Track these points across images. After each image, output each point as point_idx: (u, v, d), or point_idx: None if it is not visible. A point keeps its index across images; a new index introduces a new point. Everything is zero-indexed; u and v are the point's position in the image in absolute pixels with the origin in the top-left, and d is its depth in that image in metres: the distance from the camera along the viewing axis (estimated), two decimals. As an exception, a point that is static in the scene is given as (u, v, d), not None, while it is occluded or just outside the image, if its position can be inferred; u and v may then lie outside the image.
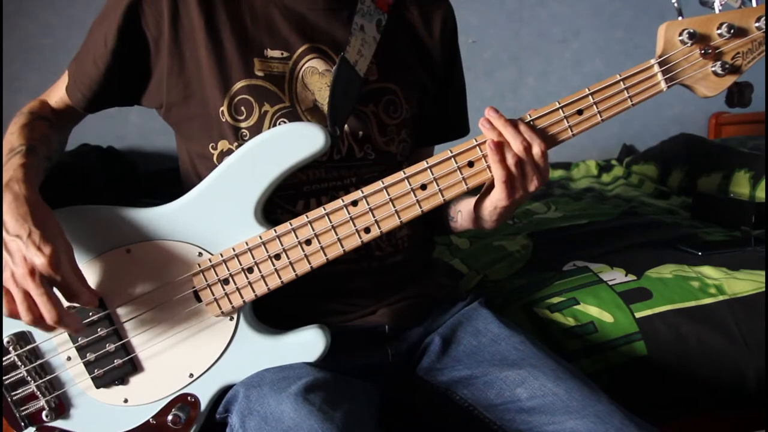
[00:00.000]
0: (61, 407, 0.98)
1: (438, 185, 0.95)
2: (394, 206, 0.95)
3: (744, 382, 1.31)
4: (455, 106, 1.25)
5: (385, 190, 0.95)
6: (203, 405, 0.98)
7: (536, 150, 0.93)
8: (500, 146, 0.93)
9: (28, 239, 0.83)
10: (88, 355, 0.96)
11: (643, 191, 2.43)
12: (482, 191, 1.02)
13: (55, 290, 0.86)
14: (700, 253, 1.55)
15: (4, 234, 0.85)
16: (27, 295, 0.85)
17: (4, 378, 0.96)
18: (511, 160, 0.93)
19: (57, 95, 1.10)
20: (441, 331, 1.12)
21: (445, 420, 1.07)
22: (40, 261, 0.83)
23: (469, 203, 1.07)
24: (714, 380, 1.31)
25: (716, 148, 2.45)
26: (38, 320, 0.86)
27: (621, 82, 0.95)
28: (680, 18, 0.95)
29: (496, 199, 0.97)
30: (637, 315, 1.32)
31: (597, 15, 2.99)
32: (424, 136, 1.20)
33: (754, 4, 0.94)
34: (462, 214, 1.11)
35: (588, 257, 1.55)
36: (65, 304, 0.88)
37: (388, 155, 1.09)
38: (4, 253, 0.85)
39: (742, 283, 1.40)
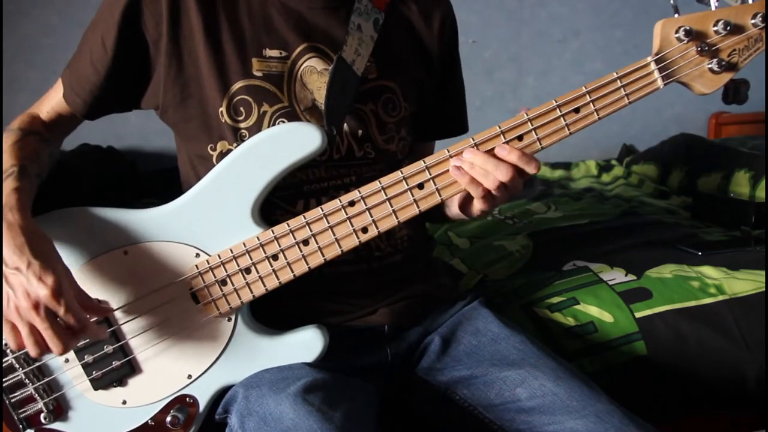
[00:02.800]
0: (60, 409, 0.98)
1: (435, 184, 0.95)
2: (392, 206, 0.95)
3: (744, 382, 1.31)
4: (454, 103, 1.25)
5: (382, 190, 0.95)
6: (202, 406, 0.98)
7: (502, 177, 0.92)
8: (474, 180, 0.93)
9: (29, 271, 0.82)
10: (86, 357, 0.96)
11: (643, 191, 2.43)
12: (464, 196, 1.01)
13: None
14: (700, 253, 1.55)
15: (3, 267, 0.84)
16: (33, 329, 0.84)
17: (2, 380, 0.96)
18: (491, 185, 0.93)
19: (48, 105, 1.09)
20: (441, 331, 1.12)
21: (445, 420, 1.07)
22: (43, 293, 0.82)
23: (452, 202, 1.06)
24: (714, 380, 1.31)
25: (716, 148, 2.44)
26: (45, 352, 0.86)
27: (618, 80, 0.95)
28: (676, 15, 0.95)
29: (479, 208, 0.98)
30: (637, 315, 1.32)
31: (597, 15, 2.98)
32: (423, 131, 1.20)
33: (750, 0, 0.94)
34: (450, 209, 1.11)
35: (588, 257, 1.54)
36: None
37: (388, 154, 1.08)
38: (5, 287, 0.85)
39: (742, 283, 1.39)
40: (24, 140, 1.01)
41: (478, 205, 0.97)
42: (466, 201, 1.01)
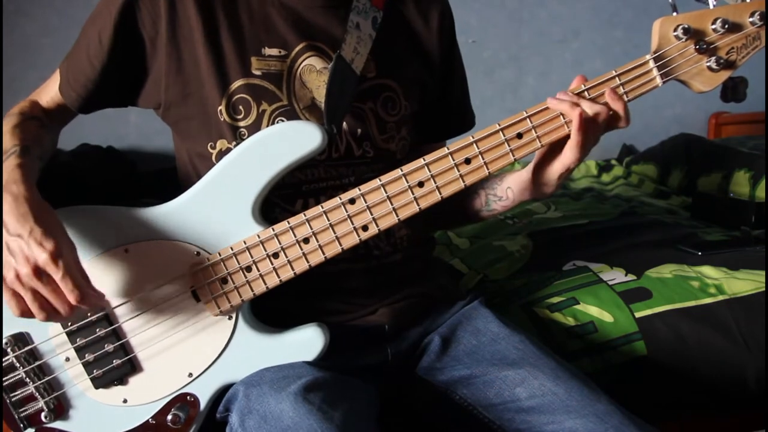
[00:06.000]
0: (60, 408, 0.98)
1: (435, 182, 0.95)
2: (392, 204, 0.95)
3: (744, 382, 1.31)
4: (458, 99, 1.25)
5: (382, 188, 0.95)
6: (203, 404, 0.98)
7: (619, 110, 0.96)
8: (587, 120, 0.94)
9: (30, 237, 0.83)
10: (86, 355, 0.96)
11: (643, 191, 2.43)
12: (541, 160, 1.02)
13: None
14: (700, 253, 1.54)
15: (5, 234, 0.85)
16: (36, 294, 0.84)
17: (2, 379, 0.96)
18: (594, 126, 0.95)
19: (48, 95, 1.10)
20: (441, 331, 1.12)
21: (444, 420, 1.07)
22: (42, 257, 0.82)
23: (520, 176, 1.06)
24: (714, 380, 1.30)
25: (716, 148, 2.44)
26: (53, 315, 0.86)
27: (617, 78, 0.95)
28: (675, 14, 0.95)
29: (570, 161, 0.98)
30: (637, 315, 1.32)
31: (597, 15, 2.99)
32: (430, 131, 1.20)
33: (748, -1, 0.94)
34: (514, 190, 1.11)
35: (588, 257, 1.54)
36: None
37: (387, 153, 1.09)
38: (7, 254, 0.85)
39: (742, 283, 1.39)
40: (25, 124, 1.01)
41: (569, 154, 0.98)
42: (548, 160, 1.02)
